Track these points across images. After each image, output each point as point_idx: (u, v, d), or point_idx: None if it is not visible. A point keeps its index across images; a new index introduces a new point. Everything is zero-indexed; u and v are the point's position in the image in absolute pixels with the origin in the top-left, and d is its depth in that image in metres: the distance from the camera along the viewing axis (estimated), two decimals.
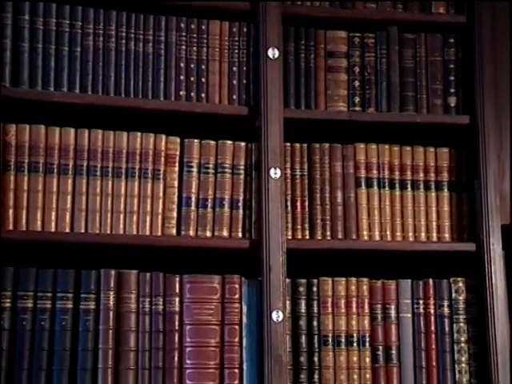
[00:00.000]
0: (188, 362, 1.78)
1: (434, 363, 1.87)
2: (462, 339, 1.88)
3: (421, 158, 1.97)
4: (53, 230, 1.76)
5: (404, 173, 1.96)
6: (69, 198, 1.78)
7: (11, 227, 1.73)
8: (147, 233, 1.82)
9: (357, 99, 1.96)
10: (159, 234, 1.83)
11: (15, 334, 1.70)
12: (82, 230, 1.79)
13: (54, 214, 1.77)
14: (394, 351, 1.86)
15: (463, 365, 1.87)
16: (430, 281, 1.91)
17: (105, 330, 1.75)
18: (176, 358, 1.78)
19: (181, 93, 1.88)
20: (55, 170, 1.78)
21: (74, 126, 1.81)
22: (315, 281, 1.87)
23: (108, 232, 1.80)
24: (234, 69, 1.91)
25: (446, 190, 1.97)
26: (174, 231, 1.84)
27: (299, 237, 1.89)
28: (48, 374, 1.71)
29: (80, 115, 1.86)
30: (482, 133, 1.95)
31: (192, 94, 1.88)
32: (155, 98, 1.86)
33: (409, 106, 1.97)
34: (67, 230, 1.78)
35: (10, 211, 1.73)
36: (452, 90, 2.00)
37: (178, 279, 1.81)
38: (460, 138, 2.02)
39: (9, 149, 1.75)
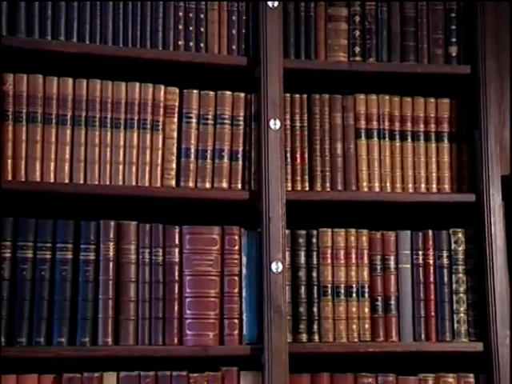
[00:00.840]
0: (188, 312, 1.79)
1: (433, 313, 1.88)
2: (461, 289, 1.89)
3: (421, 108, 1.96)
4: (52, 180, 1.76)
5: (404, 124, 1.95)
6: (67, 148, 1.78)
7: (10, 178, 1.73)
8: (146, 184, 1.82)
9: (357, 49, 1.94)
10: (158, 185, 1.83)
11: (15, 284, 1.71)
12: (81, 181, 1.78)
13: (52, 164, 1.76)
14: (393, 301, 1.88)
15: (462, 315, 1.88)
16: (430, 232, 1.91)
17: (105, 281, 1.76)
18: (176, 309, 1.79)
19: (179, 43, 1.86)
20: (53, 121, 1.77)
21: (72, 76, 1.80)
22: (315, 232, 1.87)
23: (107, 183, 1.80)
24: (234, 18, 1.89)
25: (446, 140, 1.96)
26: (173, 182, 1.84)
27: (299, 188, 1.89)
28: (48, 323, 1.72)
29: (78, 65, 1.84)
30: (483, 83, 1.93)
31: (191, 43, 1.86)
32: (154, 48, 1.84)
33: (409, 56, 1.96)
34: (66, 181, 1.78)
35: (9, 161, 1.73)
36: (453, 40, 1.98)
37: (177, 230, 1.82)
38: (461, 89, 2.01)
39: (6, 98, 1.73)
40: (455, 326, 1.88)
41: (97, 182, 1.79)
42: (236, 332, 1.81)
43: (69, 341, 1.73)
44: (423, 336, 1.88)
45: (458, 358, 1.90)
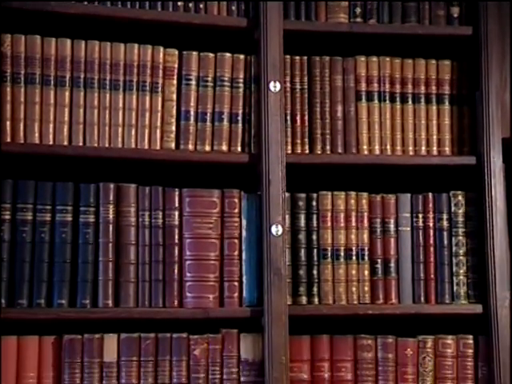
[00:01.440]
0: (188, 275, 1.79)
1: (432, 276, 1.89)
2: (461, 252, 1.89)
3: (422, 70, 1.94)
4: (51, 142, 1.76)
5: (405, 86, 1.93)
6: (66, 110, 1.77)
7: (9, 139, 1.72)
8: (146, 146, 1.82)
9: (358, 10, 1.92)
10: (158, 147, 1.83)
11: (15, 246, 1.71)
12: (80, 144, 1.78)
13: (51, 126, 1.76)
14: (392, 264, 1.88)
15: (461, 277, 1.89)
16: (430, 195, 1.91)
17: (105, 243, 1.76)
18: (176, 271, 1.80)
19: (179, 3, 1.83)
20: (52, 82, 1.76)
21: (71, 37, 1.78)
22: (315, 195, 1.87)
23: (106, 145, 1.79)
24: None
25: (447, 103, 1.95)
26: (172, 145, 1.84)
27: (299, 151, 1.89)
28: (49, 285, 1.73)
29: (76, 26, 1.82)
30: (485, 44, 1.91)
31: (190, 4, 1.84)
32: (152, 9, 1.82)
33: (411, 17, 1.93)
34: (65, 143, 1.77)
35: (8, 123, 1.72)
36: (455, 1, 1.96)
37: (177, 193, 1.82)
38: (462, 50, 1.99)
39: (4, 59, 1.72)
40: (454, 288, 1.88)
41: (96, 145, 1.79)
42: (236, 294, 1.82)
43: (69, 303, 1.73)
44: (422, 298, 1.88)
45: (457, 320, 1.91)
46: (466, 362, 1.85)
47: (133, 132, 1.81)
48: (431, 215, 1.91)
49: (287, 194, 1.84)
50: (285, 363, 1.77)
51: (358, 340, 1.85)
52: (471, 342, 1.86)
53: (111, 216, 1.77)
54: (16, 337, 1.69)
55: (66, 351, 1.72)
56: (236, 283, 1.82)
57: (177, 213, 1.81)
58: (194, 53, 1.84)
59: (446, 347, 1.85)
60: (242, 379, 1.79)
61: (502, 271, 1.86)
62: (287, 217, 1.84)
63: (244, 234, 1.83)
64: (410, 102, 1.93)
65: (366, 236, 1.88)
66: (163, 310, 1.78)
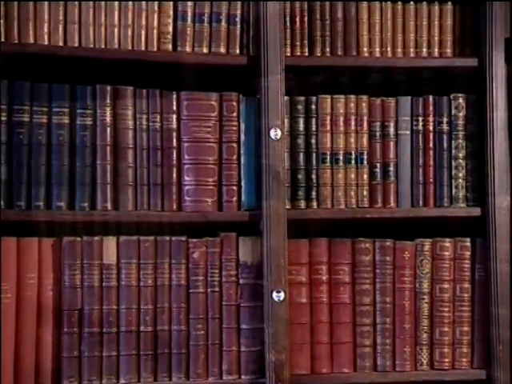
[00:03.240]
0: (186, 178, 1.79)
1: (431, 179, 1.88)
2: (460, 155, 1.89)
3: None
4: (46, 42, 1.72)
5: None
6: (61, 9, 1.73)
7: (3, 39, 1.69)
8: (142, 48, 1.79)
9: None
10: (155, 49, 1.80)
11: (12, 148, 1.70)
12: (76, 44, 1.75)
13: (46, 25, 1.72)
14: (391, 168, 1.88)
15: (460, 180, 1.89)
16: (430, 97, 1.89)
17: (102, 146, 1.76)
18: (174, 175, 1.80)
19: None
20: None
21: None
22: (314, 98, 1.85)
23: (102, 46, 1.76)
24: None
25: (449, 2, 1.91)
26: (169, 47, 1.80)
27: (298, 53, 1.85)
28: (47, 188, 1.73)
29: None
30: None
31: None
32: None
33: None
34: (60, 44, 1.74)
35: (1, 22, 1.68)
36: None
37: (175, 96, 1.80)
38: None
39: None
40: (453, 191, 1.88)
41: (92, 45, 1.75)
42: (235, 198, 1.82)
43: (68, 206, 1.74)
44: (421, 202, 1.89)
45: (455, 224, 1.92)
46: (464, 264, 1.88)
47: (129, 32, 1.78)
48: (431, 118, 1.89)
49: (286, 98, 1.82)
50: (283, 265, 1.78)
51: (357, 243, 1.86)
52: (469, 244, 1.88)
53: (108, 119, 1.76)
54: (16, 238, 1.70)
55: (66, 253, 1.73)
56: (235, 187, 1.82)
57: (175, 116, 1.80)
58: None
59: (443, 250, 1.87)
60: (240, 281, 1.81)
61: (501, 174, 1.86)
62: (286, 121, 1.82)
63: (242, 137, 1.82)
64: (412, 2, 1.89)
65: (365, 140, 1.87)
66: (162, 214, 1.79)
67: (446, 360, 1.87)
